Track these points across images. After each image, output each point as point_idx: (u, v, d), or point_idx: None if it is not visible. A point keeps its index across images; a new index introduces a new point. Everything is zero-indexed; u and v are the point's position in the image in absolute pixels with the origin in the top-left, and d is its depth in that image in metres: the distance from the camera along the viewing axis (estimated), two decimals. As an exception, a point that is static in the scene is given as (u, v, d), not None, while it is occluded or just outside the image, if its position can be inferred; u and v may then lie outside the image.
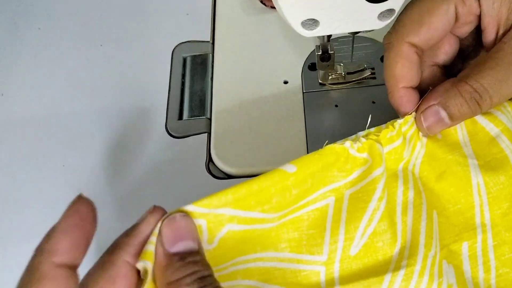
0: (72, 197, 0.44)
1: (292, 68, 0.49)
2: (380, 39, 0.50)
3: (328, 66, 0.45)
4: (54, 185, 0.45)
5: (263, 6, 0.54)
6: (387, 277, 0.33)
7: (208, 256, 0.29)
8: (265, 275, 0.32)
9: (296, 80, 0.49)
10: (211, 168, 0.46)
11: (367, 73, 0.46)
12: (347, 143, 0.33)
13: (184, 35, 0.53)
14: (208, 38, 0.53)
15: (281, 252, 0.33)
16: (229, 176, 0.45)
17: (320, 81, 0.46)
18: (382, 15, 0.39)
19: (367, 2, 0.37)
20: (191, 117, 0.49)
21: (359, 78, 0.46)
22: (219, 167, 0.45)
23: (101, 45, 0.54)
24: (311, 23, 0.39)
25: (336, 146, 0.33)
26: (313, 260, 0.33)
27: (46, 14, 0.56)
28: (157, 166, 0.46)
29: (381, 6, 0.38)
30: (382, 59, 0.49)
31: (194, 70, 0.52)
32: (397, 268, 0.33)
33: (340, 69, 0.46)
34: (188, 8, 0.55)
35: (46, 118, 0.49)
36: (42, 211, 0.44)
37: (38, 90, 0.51)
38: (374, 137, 0.34)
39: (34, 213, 0.44)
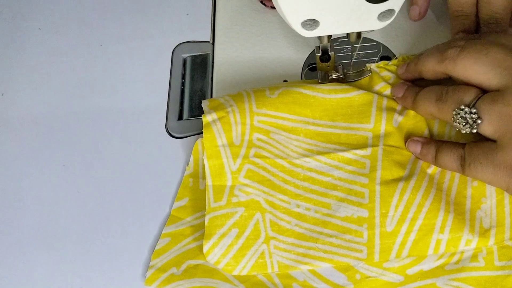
0: (72, 197, 0.45)
1: (292, 68, 0.49)
2: (380, 39, 0.50)
3: (328, 66, 0.45)
4: (54, 185, 0.45)
5: (263, 6, 0.54)
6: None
7: (270, 102, 0.43)
8: (323, 137, 0.43)
9: (296, 80, 0.49)
10: (211, 168, 0.46)
11: (367, 73, 0.46)
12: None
13: (184, 35, 0.53)
14: (208, 38, 0.53)
15: (337, 122, 0.43)
16: (229, 176, 0.45)
17: (320, 81, 0.46)
18: (382, 15, 0.39)
19: (367, 2, 0.37)
20: (191, 117, 0.49)
21: (358, 78, 0.46)
22: (219, 167, 0.45)
23: (101, 45, 0.54)
24: (311, 23, 0.39)
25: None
26: (362, 127, 0.43)
27: (46, 14, 0.56)
28: (157, 166, 0.46)
29: (381, 7, 0.38)
30: (381, 59, 0.49)
31: (194, 70, 0.52)
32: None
33: (340, 69, 0.46)
34: (188, 8, 0.55)
35: (46, 118, 0.49)
36: (42, 211, 0.44)
37: (38, 90, 0.51)
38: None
39: (34, 213, 0.44)
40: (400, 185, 0.40)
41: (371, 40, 0.50)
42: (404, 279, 0.39)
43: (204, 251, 0.39)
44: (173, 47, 0.53)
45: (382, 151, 0.42)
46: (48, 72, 0.52)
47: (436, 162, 0.41)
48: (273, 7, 0.53)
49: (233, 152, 0.42)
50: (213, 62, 0.51)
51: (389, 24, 0.40)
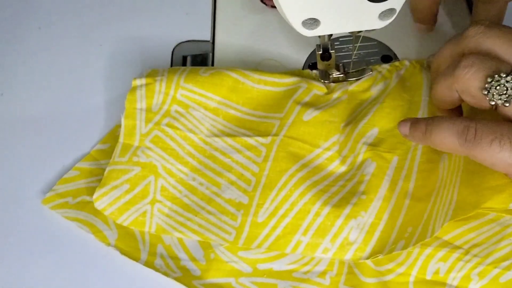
0: (72, 197, 0.45)
1: (292, 68, 0.49)
2: (380, 38, 0.50)
3: (328, 65, 0.45)
4: (54, 185, 0.45)
5: (264, 5, 0.54)
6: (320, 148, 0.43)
7: (198, 79, 0.45)
8: (239, 122, 0.45)
9: (296, 79, 0.49)
10: (211, 168, 0.46)
11: (368, 72, 0.46)
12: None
13: (184, 35, 0.53)
14: (208, 37, 0.53)
15: (257, 111, 0.45)
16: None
17: (321, 80, 0.46)
18: (383, 15, 0.39)
19: (368, 1, 0.37)
20: (192, 116, 0.49)
21: (359, 77, 0.46)
22: (219, 166, 0.45)
23: (101, 45, 0.54)
24: (312, 22, 0.39)
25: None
26: (274, 116, 0.45)
27: (46, 14, 0.56)
28: (157, 166, 0.46)
29: (382, 6, 0.38)
30: (382, 58, 0.49)
31: (194, 70, 0.52)
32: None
33: (340, 68, 0.46)
34: (188, 8, 0.55)
35: (46, 118, 0.49)
36: (42, 211, 0.44)
37: (38, 90, 0.51)
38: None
39: (34, 213, 0.44)
40: (283, 178, 0.41)
41: (372, 40, 0.50)
42: (252, 271, 0.39)
43: (94, 197, 0.42)
44: (173, 46, 0.53)
45: (279, 141, 0.43)
46: (48, 72, 0.52)
47: (428, 138, 0.36)
48: (274, 6, 0.53)
49: (148, 117, 0.45)
50: (213, 61, 0.51)
51: (390, 24, 0.40)
